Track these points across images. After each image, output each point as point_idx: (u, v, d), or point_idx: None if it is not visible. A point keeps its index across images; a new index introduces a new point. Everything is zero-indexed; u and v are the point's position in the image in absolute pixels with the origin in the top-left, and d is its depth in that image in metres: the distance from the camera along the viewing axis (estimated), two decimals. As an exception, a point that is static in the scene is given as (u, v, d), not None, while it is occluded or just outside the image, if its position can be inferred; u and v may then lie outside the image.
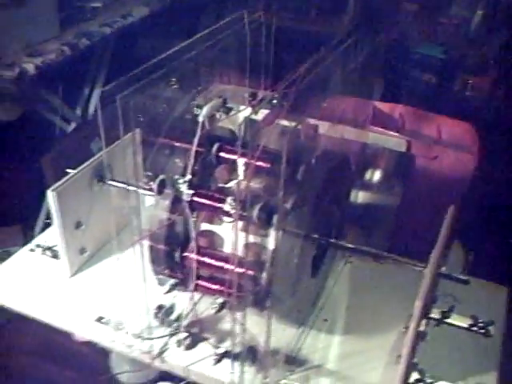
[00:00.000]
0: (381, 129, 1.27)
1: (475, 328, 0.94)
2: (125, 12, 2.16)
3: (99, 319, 0.96)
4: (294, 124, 0.84)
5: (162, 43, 1.86)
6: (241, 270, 0.80)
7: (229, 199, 0.78)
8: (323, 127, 0.95)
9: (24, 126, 1.95)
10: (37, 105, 2.03)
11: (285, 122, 0.83)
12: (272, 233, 0.81)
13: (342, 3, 2.21)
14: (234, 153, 0.90)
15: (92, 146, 1.83)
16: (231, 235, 0.88)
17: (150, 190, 0.85)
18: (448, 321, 0.95)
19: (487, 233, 1.45)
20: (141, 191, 0.86)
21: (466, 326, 0.95)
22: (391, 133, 1.25)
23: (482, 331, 0.94)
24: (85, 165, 1.02)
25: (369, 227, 1.31)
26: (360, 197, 1.34)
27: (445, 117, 1.36)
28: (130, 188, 0.91)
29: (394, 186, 1.33)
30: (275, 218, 0.79)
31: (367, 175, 1.40)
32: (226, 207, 0.78)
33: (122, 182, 0.96)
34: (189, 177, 0.84)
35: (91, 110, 2.27)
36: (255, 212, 0.77)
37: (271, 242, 0.82)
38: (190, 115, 0.92)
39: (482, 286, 1.01)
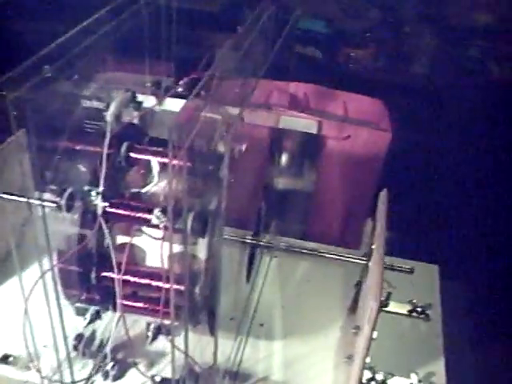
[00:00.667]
0: (289, 111, 1.20)
1: (415, 314, 0.92)
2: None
3: (4, 358, 0.82)
4: (216, 116, 0.76)
5: (47, 29, 1.67)
6: (176, 287, 0.70)
7: (156, 211, 0.67)
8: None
9: None
10: None
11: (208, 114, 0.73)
12: (204, 241, 0.72)
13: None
14: (147, 152, 0.80)
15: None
16: (153, 246, 0.78)
17: (57, 204, 0.72)
18: (387, 309, 0.92)
19: (404, 210, 1.44)
20: (47, 204, 0.73)
21: (405, 312, 0.93)
22: (301, 114, 1.18)
23: (422, 316, 0.92)
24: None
25: (286, 214, 1.25)
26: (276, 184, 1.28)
27: (349, 93, 1.31)
28: (33, 202, 0.77)
29: (307, 169, 1.27)
30: (209, 226, 0.70)
31: (279, 160, 1.33)
32: (154, 220, 0.67)
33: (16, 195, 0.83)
34: (101, 188, 0.72)
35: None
36: (189, 223, 0.67)
37: (203, 251, 0.73)
38: (83, 110, 0.80)
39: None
